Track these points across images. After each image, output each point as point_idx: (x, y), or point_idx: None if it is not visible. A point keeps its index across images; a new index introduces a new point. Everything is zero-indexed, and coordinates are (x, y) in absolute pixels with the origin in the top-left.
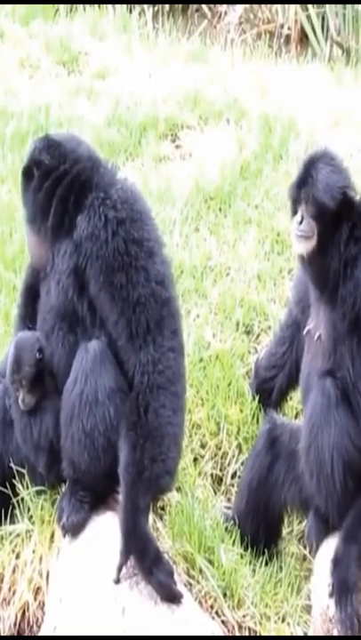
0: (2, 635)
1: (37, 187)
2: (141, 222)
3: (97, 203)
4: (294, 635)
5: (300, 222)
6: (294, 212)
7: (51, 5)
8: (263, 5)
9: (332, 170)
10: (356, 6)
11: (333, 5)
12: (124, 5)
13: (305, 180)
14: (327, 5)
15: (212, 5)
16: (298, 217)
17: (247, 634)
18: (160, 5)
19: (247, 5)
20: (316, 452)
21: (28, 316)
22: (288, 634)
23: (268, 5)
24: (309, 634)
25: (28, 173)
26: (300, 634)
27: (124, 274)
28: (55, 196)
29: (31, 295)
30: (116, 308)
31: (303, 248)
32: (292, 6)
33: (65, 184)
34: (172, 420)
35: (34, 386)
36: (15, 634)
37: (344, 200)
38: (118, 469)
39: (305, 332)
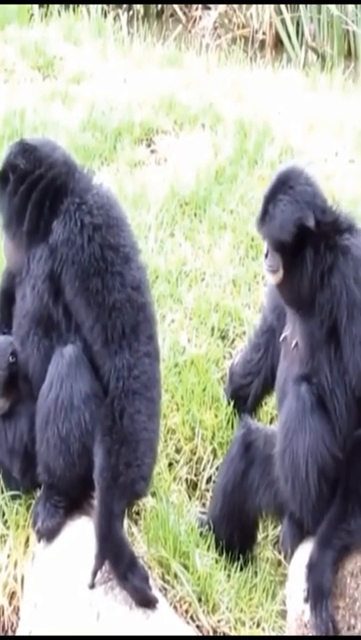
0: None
1: (13, 191)
2: (117, 228)
3: (73, 208)
4: None
5: (266, 256)
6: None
7: (26, 10)
8: (238, 10)
9: (288, 201)
10: (331, 11)
11: (308, 11)
12: (99, 10)
13: (263, 216)
14: (302, 10)
15: (186, 10)
16: (264, 250)
17: None
18: (135, 10)
19: (222, 10)
20: (290, 456)
21: (4, 320)
22: None
23: (243, 10)
24: None
25: (3, 178)
26: None
27: (100, 279)
28: (30, 200)
29: (7, 300)
30: (91, 313)
31: (273, 279)
32: (267, 11)
33: (40, 188)
34: (147, 425)
35: (7, 390)
36: None
37: (300, 231)
38: (93, 475)
39: (281, 338)
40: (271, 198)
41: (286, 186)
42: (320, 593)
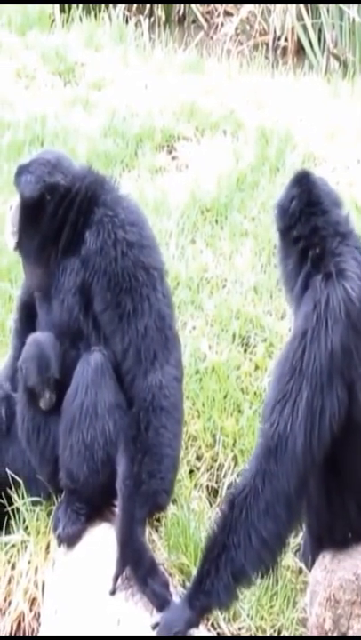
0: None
1: (53, 212)
2: (149, 249)
3: (106, 220)
4: None
5: None
6: None
7: (47, 16)
8: (259, 16)
9: None
10: (353, 18)
11: (330, 17)
12: (121, 16)
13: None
14: (323, 17)
15: (208, 17)
16: None
17: None
18: (156, 16)
19: (243, 17)
20: None
21: (24, 332)
22: None
23: (265, 16)
24: None
25: (41, 201)
26: None
27: (130, 298)
28: (69, 217)
29: (27, 311)
30: (121, 329)
31: None
32: (289, 17)
33: (77, 203)
34: (172, 443)
35: (55, 383)
36: None
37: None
38: (116, 483)
39: None
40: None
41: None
42: None
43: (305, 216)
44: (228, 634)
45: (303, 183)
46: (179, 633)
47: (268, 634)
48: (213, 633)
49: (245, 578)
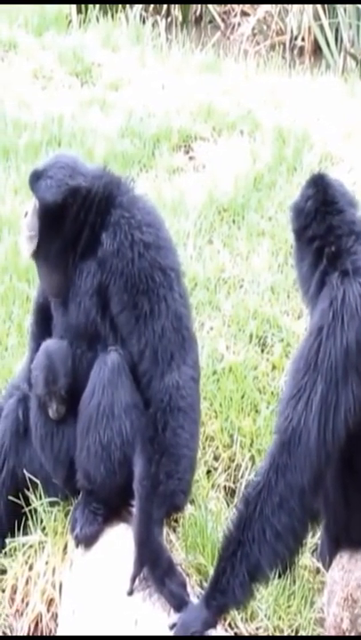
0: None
1: (75, 215)
2: (166, 250)
3: (123, 221)
4: None
5: None
6: None
7: (64, 16)
8: (276, 16)
9: None
10: None
11: (347, 17)
12: (138, 16)
13: None
14: (340, 17)
15: (225, 17)
16: None
17: None
18: (173, 16)
19: (260, 17)
20: None
21: (40, 334)
22: None
23: (282, 16)
24: None
25: (62, 206)
26: None
27: (147, 299)
28: (88, 219)
29: (43, 314)
30: (138, 331)
31: None
32: (306, 17)
33: (96, 203)
34: (189, 443)
35: (66, 396)
36: None
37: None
38: (133, 483)
39: None
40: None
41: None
42: None
43: (320, 215)
44: (246, 634)
45: (319, 184)
46: (196, 633)
47: (285, 634)
48: (231, 633)
49: (261, 574)
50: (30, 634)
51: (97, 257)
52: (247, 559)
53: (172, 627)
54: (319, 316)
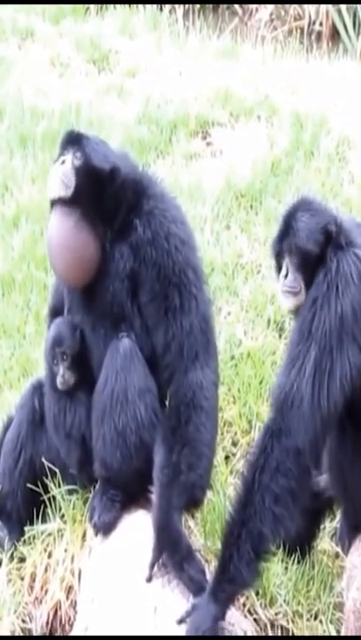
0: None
1: (114, 192)
2: (195, 251)
3: (157, 212)
4: (326, 635)
5: (286, 276)
6: (278, 268)
7: (81, 4)
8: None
9: (311, 214)
10: None
11: None
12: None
13: (285, 232)
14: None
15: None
16: (283, 271)
17: (279, 632)
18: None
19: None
20: None
21: None
22: (320, 631)
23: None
24: (342, 631)
25: (104, 177)
26: (333, 631)
27: (178, 294)
28: (124, 200)
29: (55, 316)
30: (165, 324)
31: (291, 303)
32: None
33: (132, 187)
34: (210, 444)
35: (73, 363)
36: (47, 633)
37: (326, 238)
38: (153, 472)
39: None
40: (291, 216)
41: (305, 204)
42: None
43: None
44: (265, 620)
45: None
46: (207, 632)
47: (304, 619)
48: (250, 619)
49: (265, 545)
50: (49, 621)
51: (130, 242)
52: (251, 535)
53: (181, 621)
54: (314, 288)
